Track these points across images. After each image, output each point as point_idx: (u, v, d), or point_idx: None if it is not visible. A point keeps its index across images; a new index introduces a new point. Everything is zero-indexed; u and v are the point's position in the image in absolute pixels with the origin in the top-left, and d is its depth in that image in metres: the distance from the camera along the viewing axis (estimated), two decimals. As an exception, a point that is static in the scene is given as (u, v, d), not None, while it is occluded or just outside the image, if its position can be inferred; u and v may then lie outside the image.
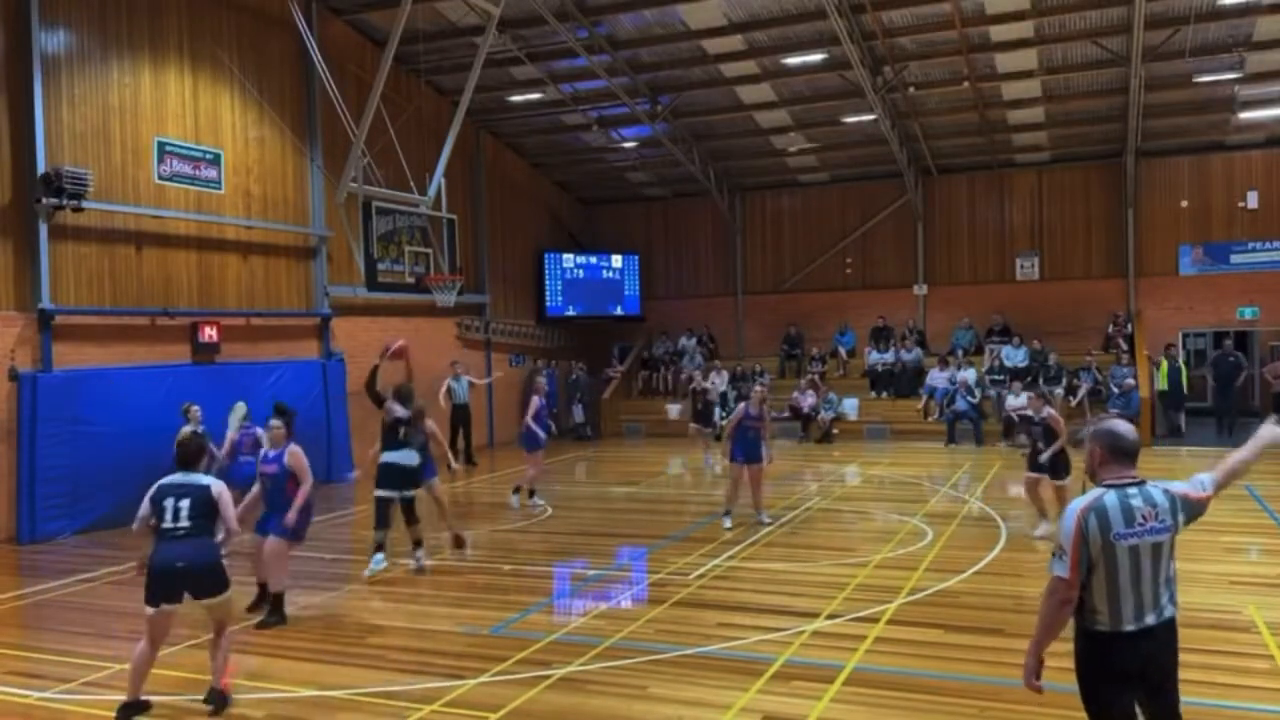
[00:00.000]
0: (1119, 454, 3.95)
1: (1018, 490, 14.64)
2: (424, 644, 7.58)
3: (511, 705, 6.19)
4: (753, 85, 19.64)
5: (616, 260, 25.26)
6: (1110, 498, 3.87)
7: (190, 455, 6.43)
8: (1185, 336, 21.87)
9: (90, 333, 13.35)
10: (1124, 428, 4.01)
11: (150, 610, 6.11)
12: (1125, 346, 20.48)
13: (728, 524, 11.60)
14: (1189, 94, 18.86)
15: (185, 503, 6.15)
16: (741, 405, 12.27)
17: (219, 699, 6.28)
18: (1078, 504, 3.90)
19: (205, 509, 6.21)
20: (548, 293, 24.27)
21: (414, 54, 16.94)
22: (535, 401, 13.58)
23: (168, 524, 6.15)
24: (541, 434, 13.52)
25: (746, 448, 11.83)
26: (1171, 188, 21.47)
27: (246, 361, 15.47)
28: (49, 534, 12.34)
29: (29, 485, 12.31)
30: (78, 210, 12.86)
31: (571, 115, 21.44)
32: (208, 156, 15.04)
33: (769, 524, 11.61)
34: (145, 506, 6.29)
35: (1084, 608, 3.97)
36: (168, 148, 14.40)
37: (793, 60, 18.39)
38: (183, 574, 6.09)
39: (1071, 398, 19.73)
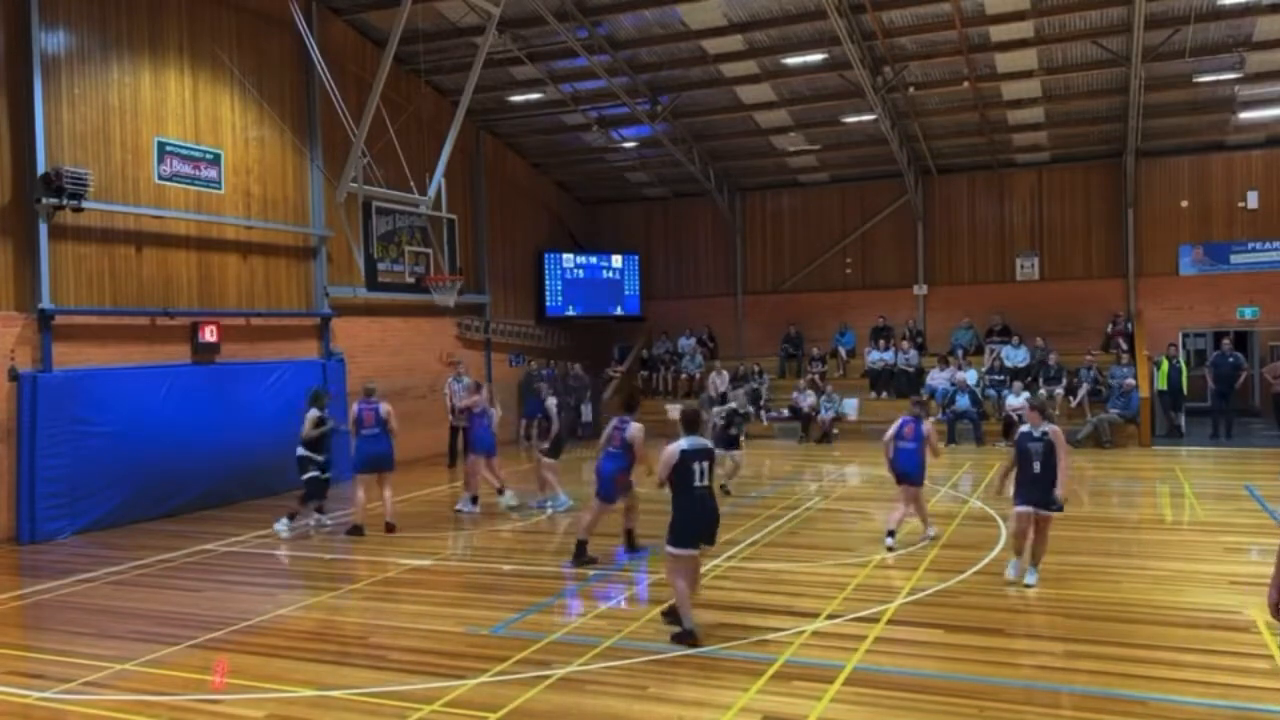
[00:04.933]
0: None
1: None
2: (424, 644, 7.58)
3: (512, 705, 6.19)
4: (753, 85, 19.65)
5: (616, 260, 25.26)
6: None
7: (694, 421, 7.72)
8: (1185, 336, 21.88)
9: (90, 333, 13.35)
10: None
11: (685, 552, 7.44)
12: (1125, 346, 20.50)
13: (889, 542, 10.33)
14: (1189, 94, 18.87)
15: (706, 464, 7.47)
16: (901, 418, 10.83)
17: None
18: None
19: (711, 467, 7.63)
20: (548, 292, 24.28)
21: (414, 54, 16.94)
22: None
23: (698, 482, 7.40)
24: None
25: (904, 463, 10.53)
26: (1171, 188, 21.48)
27: (246, 361, 15.47)
28: (49, 534, 12.33)
29: (29, 485, 12.30)
30: (78, 210, 12.85)
31: (572, 115, 21.44)
32: (208, 156, 15.03)
33: (934, 536, 10.69)
34: (675, 458, 7.41)
35: None
36: (168, 147, 14.40)
37: (793, 60, 18.40)
38: (714, 523, 7.55)
39: (1072, 398, 19.75)
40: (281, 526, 12.16)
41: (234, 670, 7.18)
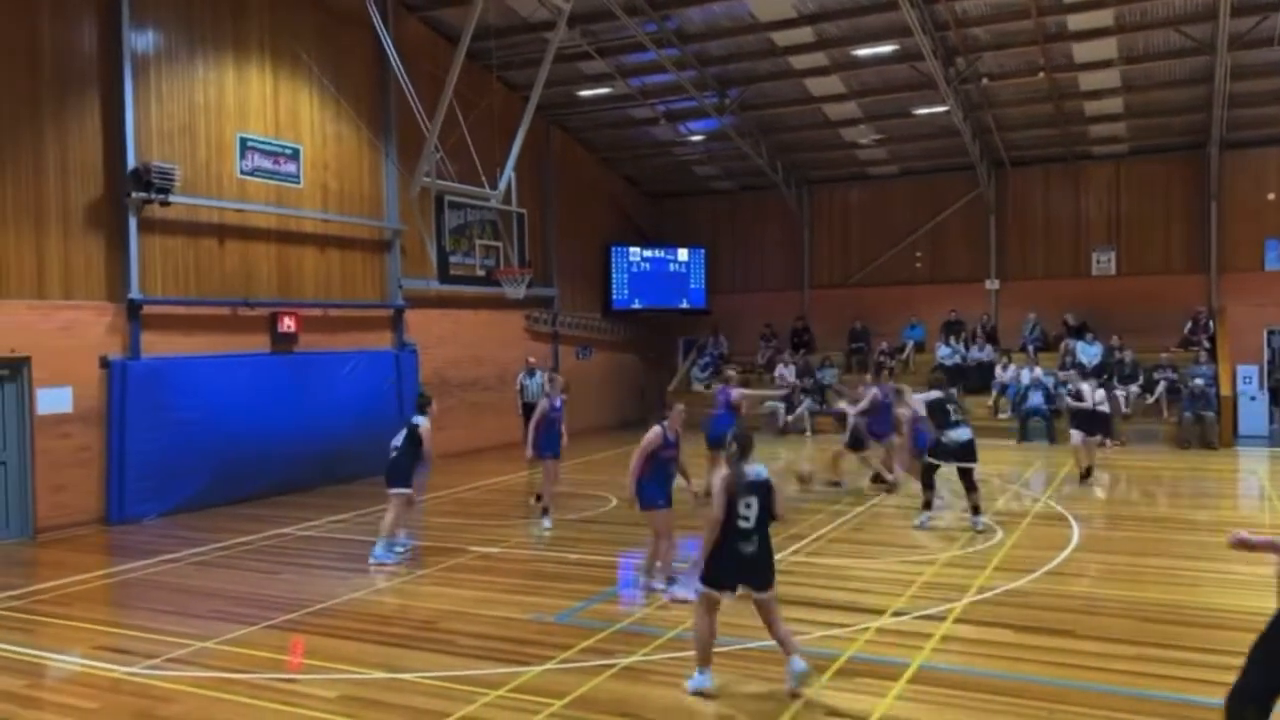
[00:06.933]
0: None
1: (1093, 490, 14.36)
2: (491, 630, 7.74)
3: (576, 693, 6.30)
4: (822, 77, 19.48)
5: (683, 254, 25.31)
6: None
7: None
8: (1271, 334, 21.13)
9: (176, 322, 13.84)
10: None
11: None
12: (1207, 344, 19.88)
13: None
14: (1277, 83, 18.20)
15: None
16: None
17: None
18: None
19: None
20: (614, 285, 24.43)
21: (486, 50, 17.17)
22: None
23: None
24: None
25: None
26: (1258, 180, 20.76)
27: (323, 351, 15.88)
28: (136, 515, 12.85)
29: (119, 468, 12.83)
30: (165, 204, 13.34)
31: (640, 109, 21.51)
32: (287, 152, 15.45)
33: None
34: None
35: None
36: (249, 143, 14.84)
37: (863, 52, 18.20)
38: None
39: (1149, 395, 19.24)
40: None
41: (309, 651, 7.42)
